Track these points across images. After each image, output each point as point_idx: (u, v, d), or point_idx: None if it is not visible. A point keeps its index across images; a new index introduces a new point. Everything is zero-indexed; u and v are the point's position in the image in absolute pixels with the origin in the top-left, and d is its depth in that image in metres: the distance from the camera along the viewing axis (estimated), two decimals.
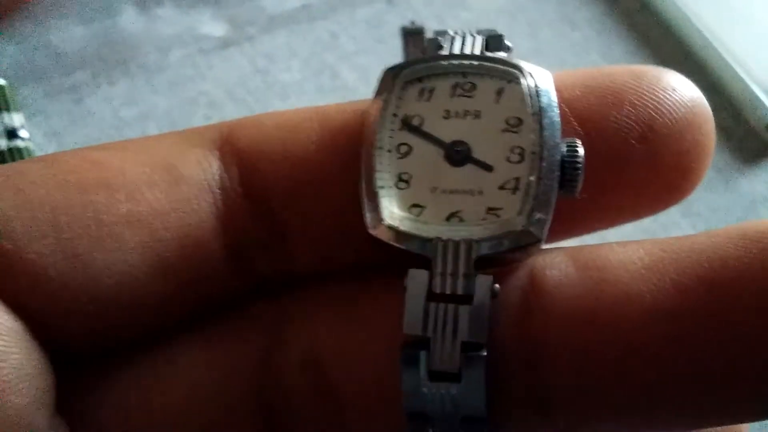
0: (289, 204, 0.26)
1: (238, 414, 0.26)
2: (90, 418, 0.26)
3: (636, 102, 0.25)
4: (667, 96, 0.25)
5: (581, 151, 0.24)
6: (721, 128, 0.60)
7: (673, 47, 0.65)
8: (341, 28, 0.65)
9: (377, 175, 0.25)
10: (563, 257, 0.24)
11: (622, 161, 0.25)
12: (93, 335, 0.25)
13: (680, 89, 0.25)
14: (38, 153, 0.58)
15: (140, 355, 0.27)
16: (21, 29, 0.64)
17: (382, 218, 0.24)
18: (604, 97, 0.25)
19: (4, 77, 0.60)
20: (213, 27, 0.65)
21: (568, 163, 0.24)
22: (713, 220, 0.56)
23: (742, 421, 0.24)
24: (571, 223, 0.26)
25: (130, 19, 0.65)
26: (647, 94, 0.25)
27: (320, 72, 0.63)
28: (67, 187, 0.24)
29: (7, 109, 0.59)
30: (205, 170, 0.26)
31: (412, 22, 0.58)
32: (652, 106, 0.25)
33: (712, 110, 0.25)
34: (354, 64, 0.63)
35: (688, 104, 0.25)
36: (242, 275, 0.27)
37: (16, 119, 0.59)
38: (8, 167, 0.25)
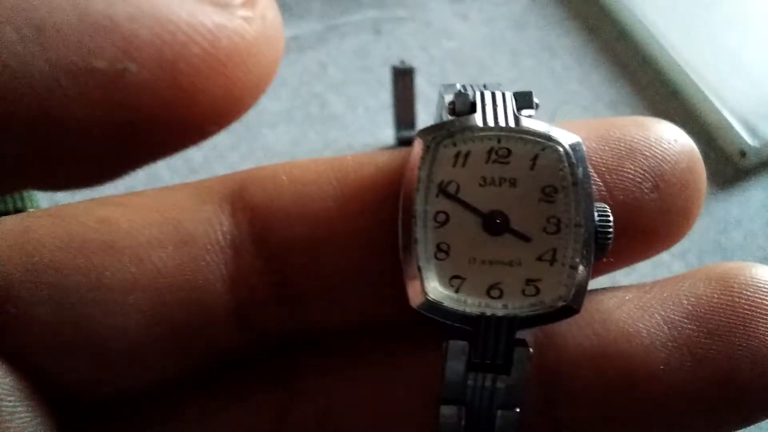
0: (305, 264, 0.26)
1: None
2: None
3: (647, 153, 0.26)
4: (671, 147, 0.27)
5: (611, 218, 0.25)
6: None
7: (651, 76, 0.67)
8: (329, 58, 0.67)
9: (419, 247, 0.25)
10: None
11: (637, 210, 0.26)
12: (99, 390, 0.25)
13: (680, 140, 0.27)
14: None
15: (150, 408, 0.27)
16: None
17: (426, 293, 0.24)
18: (618, 149, 0.26)
19: None
20: None
21: (601, 233, 0.25)
22: (688, 243, 0.58)
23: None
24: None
25: None
26: (655, 145, 0.26)
27: (309, 101, 0.65)
28: (73, 249, 0.24)
29: None
30: (215, 228, 0.25)
31: (402, 62, 0.58)
32: (660, 157, 0.26)
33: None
34: (342, 94, 0.65)
35: (689, 153, 0.27)
36: (253, 336, 0.26)
37: None
38: (17, 222, 0.25)
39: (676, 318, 0.26)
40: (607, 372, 0.26)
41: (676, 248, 0.58)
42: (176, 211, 0.25)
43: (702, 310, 0.26)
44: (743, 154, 0.61)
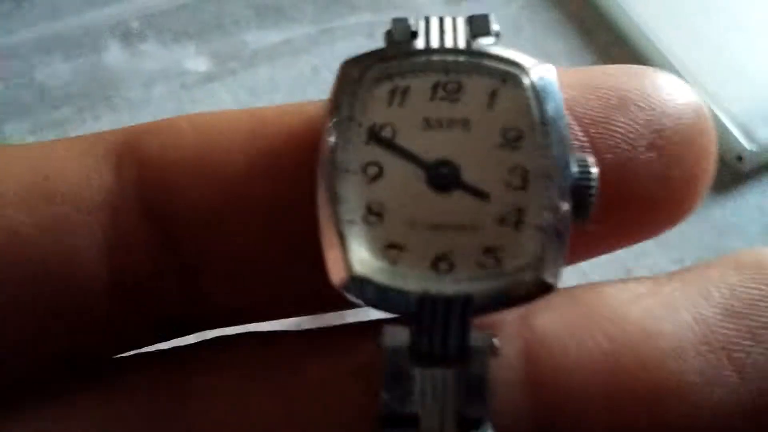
0: (204, 230, 0.21)
1: None
2: None
3: (642, 105, 0.21)
4: (672, 98, 0.22)
5: (595, 171, 0.20)
6: None
7: None
8: (323, 62, 0.67)
9: (342, 207, 0.19)
10: (562, 299, 0.21)
11: (631, 172, 0.21)
12: None
13: (684, 91, 0.22)
14: None
15: (9, 407, 0.22)
16: (6, 67, 0.65)
17: (351, 266, 0.19)
18: (606, 99, 0.21)
19: None
20: (196, 62, 0.66)
21: (580, 188, 0.19)
22: (685, 249, 0.57)
23: None
24: (574, 249, 0.21)
25: (114, 55, 0.66)
26: (652, 95, 0.21)
27: None
28: None
29: None
30: (90, 183, 0.21)
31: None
32: (659, 110, 0.21)
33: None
34: None
35: (694, 107, 0.22)
36: (135, 318, 0.22)
37: None
38: None
39: (709, 315, 0.21)
40: (627, 388, 0.20)
41: (672, 253, 0.58)
42: (45, 162, 0.21)
43: (740, 305, 0.21)
44: (740, 158, 0.61)
